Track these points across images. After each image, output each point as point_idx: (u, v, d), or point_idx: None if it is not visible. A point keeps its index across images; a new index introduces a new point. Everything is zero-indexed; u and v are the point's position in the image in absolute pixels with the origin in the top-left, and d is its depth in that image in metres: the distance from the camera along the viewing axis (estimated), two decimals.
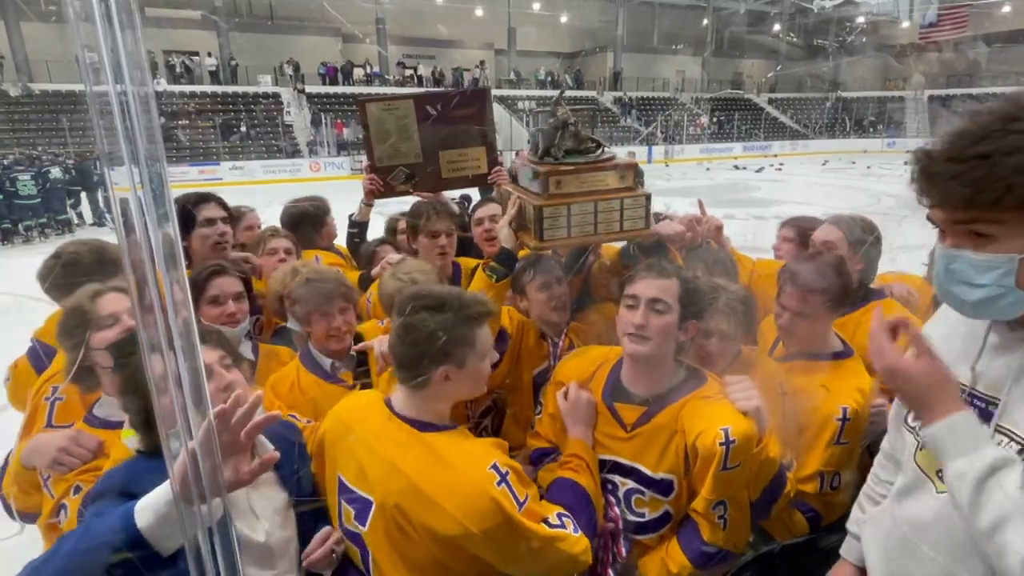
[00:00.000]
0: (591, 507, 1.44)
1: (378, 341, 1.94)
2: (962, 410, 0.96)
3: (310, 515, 1.45)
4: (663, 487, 1.51)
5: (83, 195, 13.52)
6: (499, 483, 1.24)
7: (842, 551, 1.39)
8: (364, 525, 1.33)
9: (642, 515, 1.55)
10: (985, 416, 1.01)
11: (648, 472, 1.51)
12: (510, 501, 1.23)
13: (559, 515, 1.33)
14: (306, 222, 2.98)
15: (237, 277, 2.02)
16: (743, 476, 1.43)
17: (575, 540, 1.31)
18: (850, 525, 1.39)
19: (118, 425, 1.52)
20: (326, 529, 1.42)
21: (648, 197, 1.72)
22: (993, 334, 1.03)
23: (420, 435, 1.32)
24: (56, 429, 1.67)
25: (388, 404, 1.40)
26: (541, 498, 1.42)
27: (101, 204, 13.44)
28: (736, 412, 1.42)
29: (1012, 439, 0.96)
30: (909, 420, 1.16)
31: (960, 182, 0.88)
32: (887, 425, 1.73)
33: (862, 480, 1.81)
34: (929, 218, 0.99)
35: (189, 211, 2.30)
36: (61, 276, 1.82)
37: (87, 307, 1.55)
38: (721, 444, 1.36)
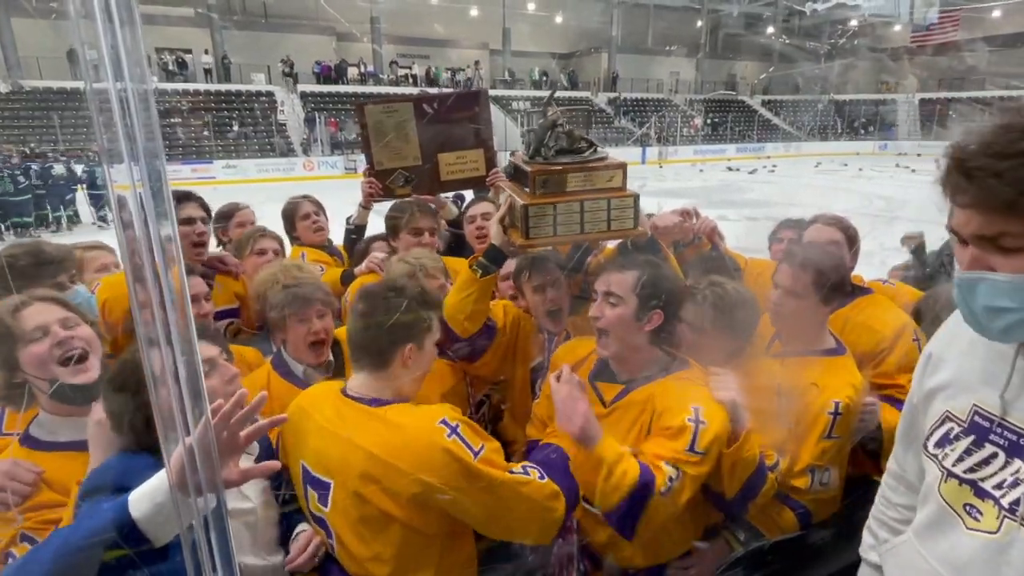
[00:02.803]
0: (566, 467, 1.47)
1: None
2: None
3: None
4: None
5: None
6: (449, 435, 1.29)
7: (861, 551, 1.34)
8: (327, 507, 1.39)
9: None
10: (1014, 450, 0.92)
11: None
12: (463, 450, 1.28)
13: (524, 466, 1.38)
14: (285, 220, 3.06)
15: (199, 277, 2.06)
16: (706, 465, 1.45)
17: (540, 485, 1.34)
18: (864, 552, 1.33)
19: (58, 447, 1.44)
20: (306, 534, 1.47)
21: (636, 197, 1.74)
22: (1021, 358, 0.93)
23: (372, 411, 1.38)
24: (5, 437, 1.55)
25: (343, 392, 1.46)
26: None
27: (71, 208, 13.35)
28: (711, 398, 1.48)
29: None
30: (930, 447, 1.06)
31: (1003, 180, 0.79)
32: (876, 422, 1.77)
33: (854, 478, 1.85)
34: (950, 228, 0.90)
35: None
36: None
37: (8, 322, 1.42)
38: (690, 421, 1.42)
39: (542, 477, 1.36)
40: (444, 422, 1.32)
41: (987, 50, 30.61)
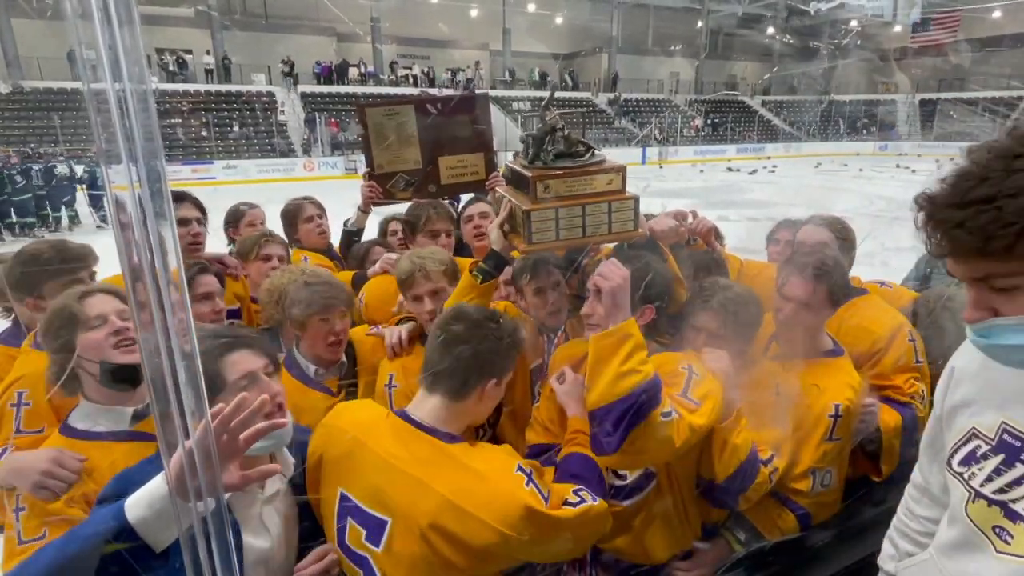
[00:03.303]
0: (600, 474, 1.47)
1: (389, 332, 1.97)
2: None
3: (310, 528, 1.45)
4: None
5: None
6: (527, 484, 1.26)
7: (880, 562, 1.33)
8: (378, 546, 1.28)
9: (624, 477, 1.59)
10: None
11: None
12: (539, 500, 1.24)
13: (575, 491, 1.35)
14: (285, 221, 3.06)
15: (213, 275, 2.08)
16: (703, 418, 1.43)
17: (597, 508, 1.33)
18: (882, 562, 1.32)
19: (96, 436, 1.48)
20: (324, 547, 1.40)
21: (636, 200, 1.74)
22: None
23: (443, 447, 1.30)
24: (25, 435, 1.61)
25: (404, 416, 1.37)
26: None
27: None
28: (704, 367, 1.52)
29: None
30: (955, 465, 1.04)
31: (966, 229, 0.81)
32: (876, 424, 1.77)
33: (853, 480, 1.85)
34: (948, 271, 0.92)
35: None
36: (23, 274, 1.82)
37: (74, 308, 1.49)
38: (683, 369, 1.44)
39: (595, 499, 1.34)
40: (520, 469, 1.28)
41: (970, 52, 30.55)
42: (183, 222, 2.37)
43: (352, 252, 2.96)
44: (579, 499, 1.32)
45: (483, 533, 1.20)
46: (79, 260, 1.94)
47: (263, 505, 1.32)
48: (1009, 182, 0.78)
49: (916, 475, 1.25)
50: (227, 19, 26.40)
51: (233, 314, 2.51)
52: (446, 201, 3.07)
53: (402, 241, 2.94)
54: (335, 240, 3.14)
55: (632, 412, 1.32)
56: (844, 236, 2.18)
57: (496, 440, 2.17)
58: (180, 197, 2.43)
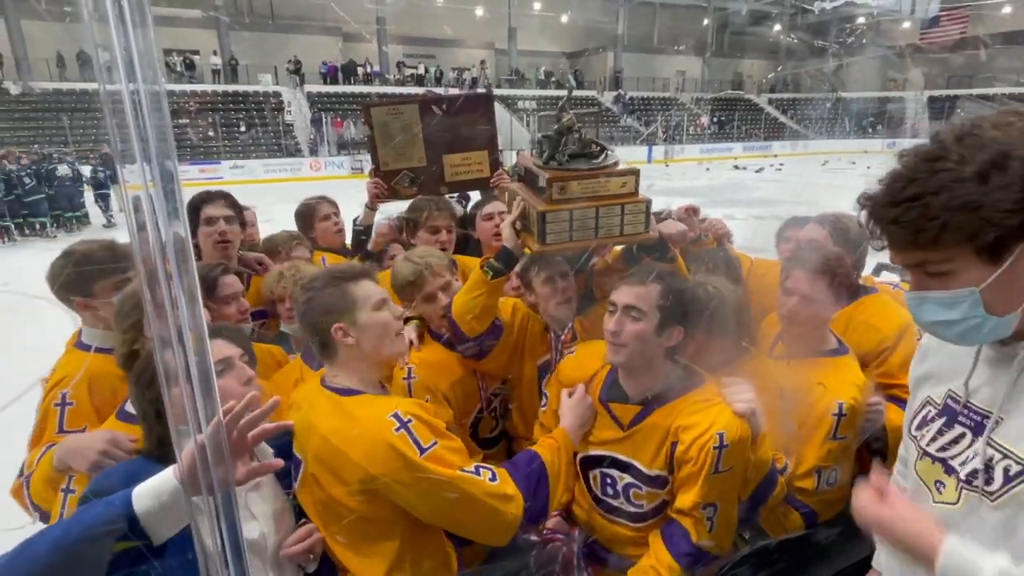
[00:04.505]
0: (539, 474, 1.49)
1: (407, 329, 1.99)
2: (943, 546, 0.94)
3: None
4: (658, 482, 1.55)
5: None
6: (398, 429, 1.32)
7: (873, 563, 1.36)
8: (295, 482, 1.47)
9: (641, 506, 1.60)
10: (978, 430, 1.03)
11: (643, 469, 1.55)
12: (409, 445, 1.30)
13: (478, 466, 1.39)
14: (300, 222, 3.04)
15: (235, 275, 2.08)
16: (734, 478, 1.46)
17: (488, 485, 1.36)
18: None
19: None
20: (309, 526, 1.46)
21: (648, 203, 1.76)
22: (986, 348, 1.04)
23: (336, 398, 1.43)
24: (67, 435, 1.64)
25: (322, 379, 1.51)
26: None
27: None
28: (731, 416, 1.44)
29: (1006, 455, 0.97)
30: (912, 430, 1.16)
31: (899, 225, 0.91)
32: (882, 422, 1.76)
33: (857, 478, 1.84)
34: (892, 261, 1.02)
35: (195, 209, 2.31)
36: (75, 274, 1.83)
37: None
38: (715, 448, 1.41)
39: (493, 479, 1.38)
40: (396, 416, 1.34)
41: (995, 47, 30.23)
42: (210, 221, 2.33)
43: (372, 255, 2.95)
44: (473, 471, 1.36)
45: (353, 470, 1.32)
46: (128, 259, 1.92)
47: (247, 493, 1.38)
48: (932, 181, 0.87)
49: (901, 450, 1.33)
50: (234, 20, 26.50)
51: (258, 315, 2.47)
52: (453, 197, 3.09)
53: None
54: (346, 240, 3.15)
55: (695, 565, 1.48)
56: (845, 235, 2.15)
57: (506, 434, 2.19)
58: (210, 196, 2.39)
